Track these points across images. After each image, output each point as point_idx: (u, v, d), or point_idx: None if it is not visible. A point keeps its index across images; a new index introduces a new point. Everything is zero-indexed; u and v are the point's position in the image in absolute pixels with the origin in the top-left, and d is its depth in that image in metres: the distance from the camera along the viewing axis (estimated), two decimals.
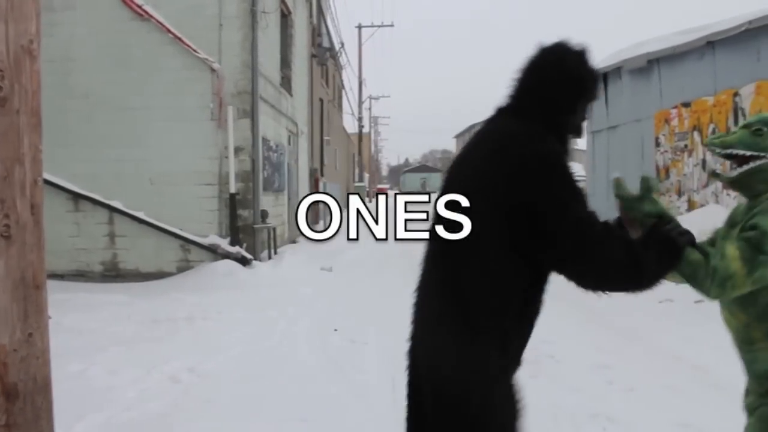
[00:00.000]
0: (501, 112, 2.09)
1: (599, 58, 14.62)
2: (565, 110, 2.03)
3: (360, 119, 39.73)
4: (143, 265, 10.28)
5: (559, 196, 1.86)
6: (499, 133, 2.01)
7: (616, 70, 13.49)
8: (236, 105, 10.41)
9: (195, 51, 10.18)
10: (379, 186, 70.17)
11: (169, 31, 10.17)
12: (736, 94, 9.72)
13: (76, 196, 10.21)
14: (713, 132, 10.30)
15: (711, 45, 10.36)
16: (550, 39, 2.09)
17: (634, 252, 1.88)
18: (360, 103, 39.85)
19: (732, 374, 4.80)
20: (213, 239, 10.21)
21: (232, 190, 10.25)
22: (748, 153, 2.17)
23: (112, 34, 10.27)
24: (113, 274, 10.26)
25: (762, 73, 9.19)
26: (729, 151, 2.21)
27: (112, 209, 10.21)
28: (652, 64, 12.22)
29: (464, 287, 1.88)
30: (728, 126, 9.90)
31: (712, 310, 7.27)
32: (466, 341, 1.88)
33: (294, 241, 14.96)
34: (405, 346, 2.10)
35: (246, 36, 10.48)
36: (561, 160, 1.92)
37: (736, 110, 9.71)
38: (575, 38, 2.09)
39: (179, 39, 10.17)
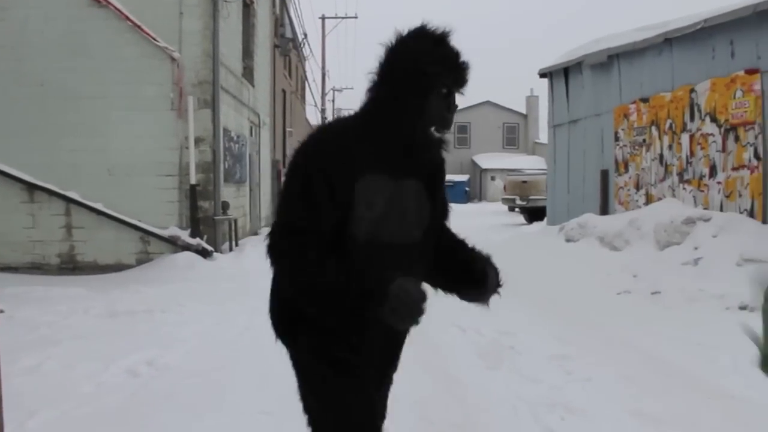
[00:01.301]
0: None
1: (559, 54, 14.78)
2: (419, 99, 1.88)
3: (323, 111, 39.53)
4: (101, 257, 10.09)
5: (285, 185, 1.94)
6: None
7: (577, 65, 13.65)
8: (197, 95, 10.27)
9: (154, 39, 10.00)
10: None
11: (127, 18, 9.97)
12: (692, 91, 9.92)
13: (31, 187, 9.96)
14: (670, 127, 10.51)
15: (669, 42, 10.55)
16: (411, 24, 1.95)
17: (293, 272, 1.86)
18: (323, 94, 39.64)
19: (684, 364, 4.94)
20: (173, 231, 10.07)
21: (193, 181, 10.12)
22: None
23: (68, 20, 10.03)
24: (70, 266, 10.05)
25: (716, 70, 9.40)
26: None
27: (69, 200, 9.99)
28: (612, 59, 12.39)
29: None
30: (684, 121, 10.12)
31: (668, 301, 7.46)
32: None
33: (256, 233, 14.84)
34: None
35: (207, 25, 10.34)
36: (307, 158, 1.89)
37: (692, 106, 9.92)
38: (439, 21, 1.93)
39: (138, 27, 9.98)
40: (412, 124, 1.90)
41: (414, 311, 1.71)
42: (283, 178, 2.00)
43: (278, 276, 1.94)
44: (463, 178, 40.21)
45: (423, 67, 1.86)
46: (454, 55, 1.91)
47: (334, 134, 1.95)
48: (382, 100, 1.91)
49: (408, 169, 1.95)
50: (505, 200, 23.64)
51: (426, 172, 2.03)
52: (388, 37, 1.95)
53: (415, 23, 1.95)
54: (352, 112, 2.04)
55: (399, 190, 1.93)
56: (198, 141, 10.28)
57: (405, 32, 1.94)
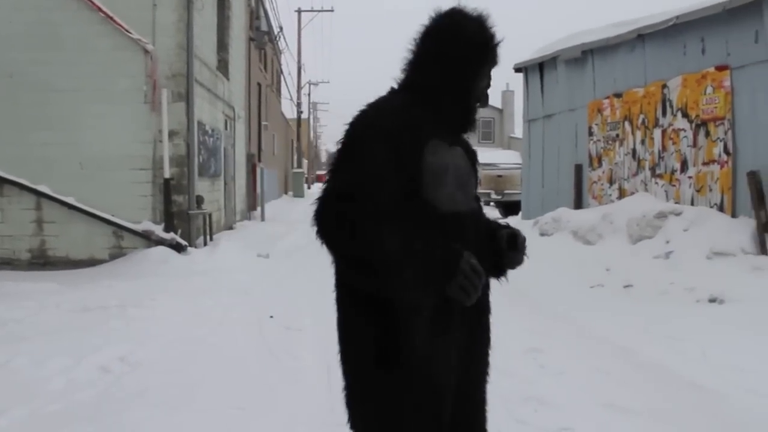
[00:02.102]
0: (395, 88, 2.02)
1: (535, 49, 14.88)
2: (469, 77, 1.96)
3: (299, 105, 39.36)
4: (73, 252, 9.95)
5: (341, 153, 1.84)
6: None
7: (552, 60, 13.73)
8: (171, 88, 10.15)
9: (127, 31, 9.87)
10: (318, 173, 69.79)
11: (99, 9, 9.81)
12: (664, 86, 10.04)
13: (1, 181, 9.78)
14: (643, 122, 10.63)
15: (641, 38, 10.66)
16: (445, 5, 2.04)
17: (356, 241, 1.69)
18: (299, 88, 39.46)
19: (655, 356, 5.01)
20: (146, 225, 9.96)
21: (167, 175, 10.02)
22: None
23: (38, 10, 9.85)
24: (41, 261, 9.90)
25: (688, 66, 9.51)
26: None
27: (40, 194, 9.83)
28: (586, 55, 12.48)
29: None
30: (657, 117, 10.24)
31: (639, 294, 7.56)
32: None
33: (231, 228, 14.75)
34: None
35: (181, 17, 10.22)
36: (378, 133, 1.80)
37: (665, 101, 10.04)
38: (473, 4, 2.05)
39: (111, 18, 9.83)
40: (468, 101, 1.98)
41: (478, 289, 1.71)
42: (335, 150, 1.88)
43: (329, 246, 1.75)
44: None
45: (480, 47, 1.94)
46: (495, 34, 1.99)
47: (395, 104, 1.90)
48: (436, 78, 1.93)
49: (456, 142, 2.01)
50: (480, 194, 23.67)
51: (464, 148, 2.09)
52: (428, 16, 2.01)
53: (450, 4, 2.04)
54: (391, 90, 2.02)
55: (458, 158, 1.97)
56: (172, 134, 10.17)
57: (450, 12, 1.98)
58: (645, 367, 4.78)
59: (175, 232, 10.03)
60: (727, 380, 4.39)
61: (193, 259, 9.72)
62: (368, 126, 1.84)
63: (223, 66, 14.23)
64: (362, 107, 1.94)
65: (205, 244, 11.20)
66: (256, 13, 21.04)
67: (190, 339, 5.57)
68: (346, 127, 1.90)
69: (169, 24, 10.14)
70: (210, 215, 11.57)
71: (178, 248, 9.88)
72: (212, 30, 12.97)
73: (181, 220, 10.30)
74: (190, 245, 10.28)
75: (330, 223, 1.73)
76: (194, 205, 10.54)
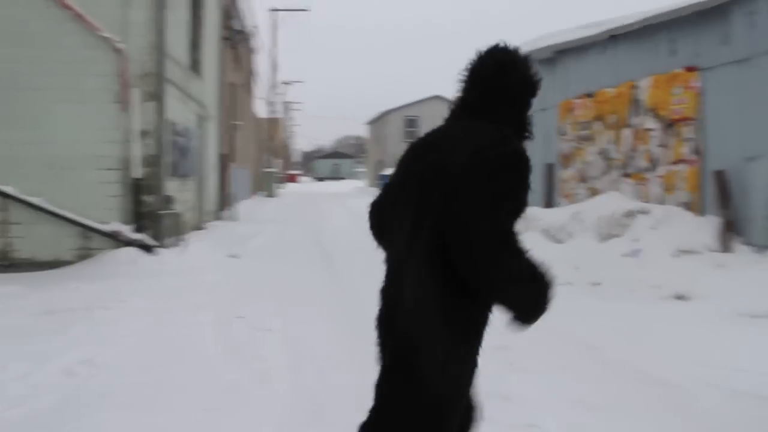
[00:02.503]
0: (463, 114, 2.20)
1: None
2: (525, 109, 2.25)
3: (272, 104, 39.18)
4: (39, 253, 9.76)
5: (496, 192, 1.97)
6: (477, 131, 2.09)
7: None
8: (141, 87, 10.01)
9: (97, 29, 9.72)
10: (290, 172, 69.48)
11: (69, 7, 9.66)
12: (635, 87, 10.16)
13: None
14: (614, 122, 10.76)
15: (613, 39, 10.78)
16: (495, 42, 2.27)
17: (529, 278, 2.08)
18: (272, 87, 39.29)
19: (621, 353, 5.06)
20: (115, 226, 9.81)
21: (136, 175, 9.89)
22: None
23: (6, 6, 9.64)
24: (6, 263, 9.69)
25: (659, 67, 9.64)
26: None
27: (5, 195, 9.64)
28: (558, 55, 12.60)
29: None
30: (627, 116, 10.35)
31: (608, 292, 7.61)
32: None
33: (201, 228, 14.63)
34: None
35: (153, 15, 10.07)
36: (526, 163, 2.04)
37: (635, 102, 10.16)
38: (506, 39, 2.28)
39: (80, 16, 9.68)
40: (527, 132, 2.27)
41: None
42: (470, 183, 1.99)
43: (498, 278, 2.05)
44: None
45: (536, 84, 2.29)
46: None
47: (509, 133, 2.11)
48: (510, 113, 2.20)
49: None
50: None
51: None
52: (481, 52, 2.25)
53: (498, 43, 2.28)
54: (484, 124, 2.14)
55: None
56: (142, 134, 10.03)
57: (507, 51, 2.25)
58: (611, 363, 4.83)
59: (145, 233, 9.91)
60: (691, 375, 4.45)
61: (163, 260, 9.60)
62: (513, 154, 2.02)
63: (195, 65, 14.11)
64: (474, 134, 2.07)
65: (175, 244, 11.08)
66: (230, 12, 20.90)
67: (157, 340, 5.50)
68: (474, 152, 1.99)
69: (140, 23, 10.00)
70: (180, 215, 11.45)
71: (147, 249, 9.76)
72: (185, 29, 12.85)
73: (151, 220, 10.17)
74: (160, 246, 10.15)
75: (513, 267, 2.04)
76: (164, 205, 10.43)
